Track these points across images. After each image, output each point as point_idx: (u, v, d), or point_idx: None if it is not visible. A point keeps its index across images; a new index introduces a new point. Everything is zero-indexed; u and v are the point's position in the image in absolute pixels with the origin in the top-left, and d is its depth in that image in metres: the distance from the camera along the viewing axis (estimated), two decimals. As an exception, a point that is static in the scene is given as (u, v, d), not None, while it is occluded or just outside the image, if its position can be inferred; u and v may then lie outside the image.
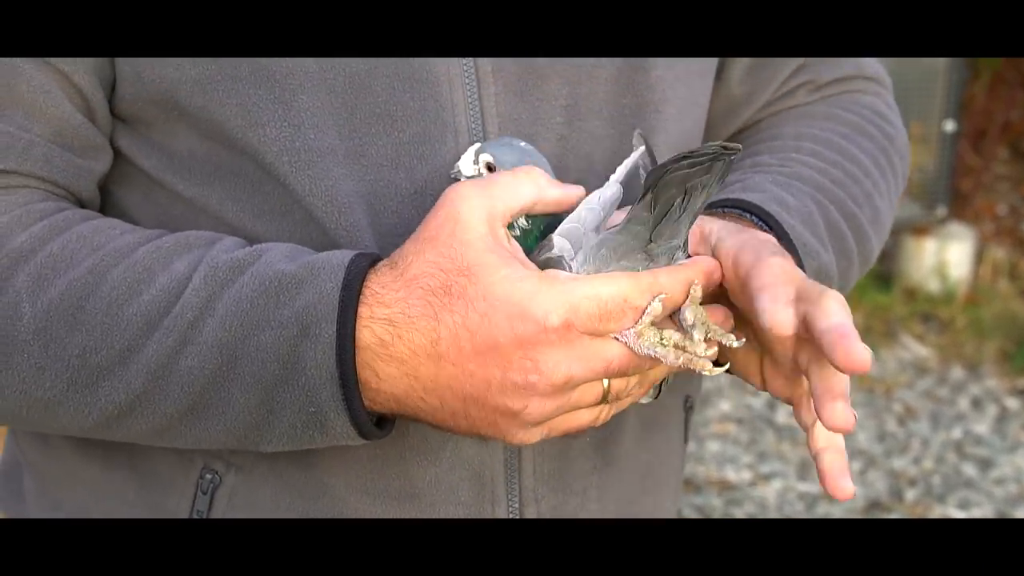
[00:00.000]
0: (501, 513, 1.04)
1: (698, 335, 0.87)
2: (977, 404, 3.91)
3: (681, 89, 1.07)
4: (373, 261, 0.91)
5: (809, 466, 3.56)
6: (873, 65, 1.22)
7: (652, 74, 1.04)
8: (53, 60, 0.95)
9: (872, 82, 1.21)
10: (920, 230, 4.40)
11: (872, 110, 1.18)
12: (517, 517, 1.05)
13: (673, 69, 1.06)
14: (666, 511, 1.18)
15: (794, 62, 1.16)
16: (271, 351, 0.90)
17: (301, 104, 0.96)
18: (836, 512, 3.36)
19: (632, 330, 0.87)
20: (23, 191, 0.95)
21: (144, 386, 0.91)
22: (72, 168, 0.98)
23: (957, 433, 3.75)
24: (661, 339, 0.87)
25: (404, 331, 0.88)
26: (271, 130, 0.96)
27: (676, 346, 0.87)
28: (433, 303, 0.88)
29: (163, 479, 1.04)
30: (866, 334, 4.17)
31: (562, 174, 0.99)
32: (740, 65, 1.14)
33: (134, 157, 1.01)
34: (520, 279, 0.86)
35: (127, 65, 0.96)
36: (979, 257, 4.52)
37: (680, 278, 0.88)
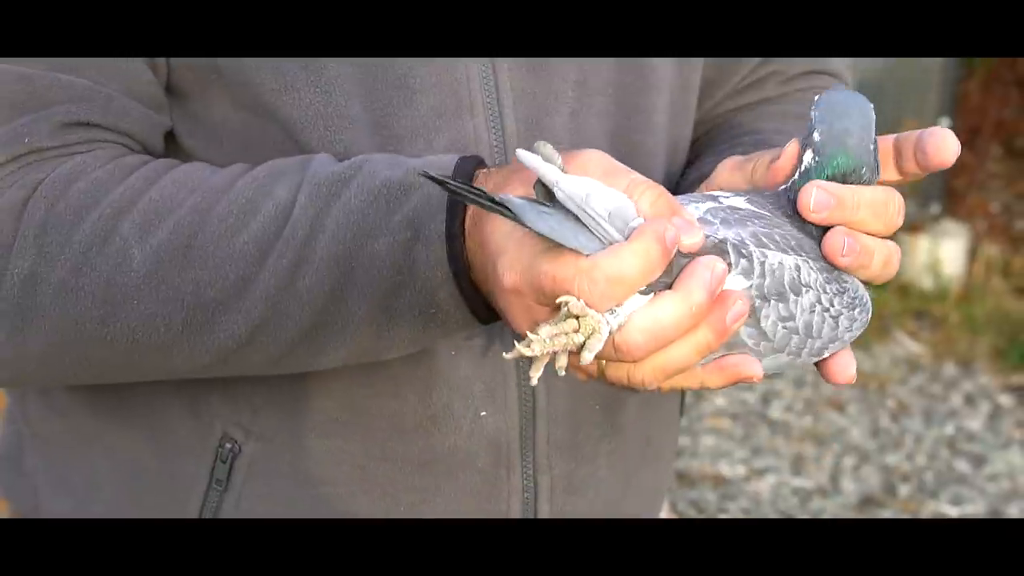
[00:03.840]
0: (515, 479, 1.06)
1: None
2: (970, 400, 3.92)
3: (677, 71, 1.10)
4: (480, 163, 0.91)
5: (802, 461, 3.57)
6: (836, 60, 1.24)
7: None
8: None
9: (835, 78, 1.23)
10: (914, 227, 4.41)
11: None
12: (531, 483, 1.07)
13: None
14: (663, 483, 1.22)
15: None
16: (386, 258, 0.90)
17: (330, 71, 0.97)
18: (829, 507, 3.38)
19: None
20: (109, 147, 0.96)
21: (263, 313, 0.91)
22: (148, 122, 0.99)
23: (950, 429, 3.77)
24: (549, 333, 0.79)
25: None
26: (304, 95, 0.97)
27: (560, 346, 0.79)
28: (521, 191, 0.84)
29: (181, 444, 1.05)
30: (860, 330, 4.19)
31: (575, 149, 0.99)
32: None
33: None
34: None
35: None
36: (972, 254, 4.53)
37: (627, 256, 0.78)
